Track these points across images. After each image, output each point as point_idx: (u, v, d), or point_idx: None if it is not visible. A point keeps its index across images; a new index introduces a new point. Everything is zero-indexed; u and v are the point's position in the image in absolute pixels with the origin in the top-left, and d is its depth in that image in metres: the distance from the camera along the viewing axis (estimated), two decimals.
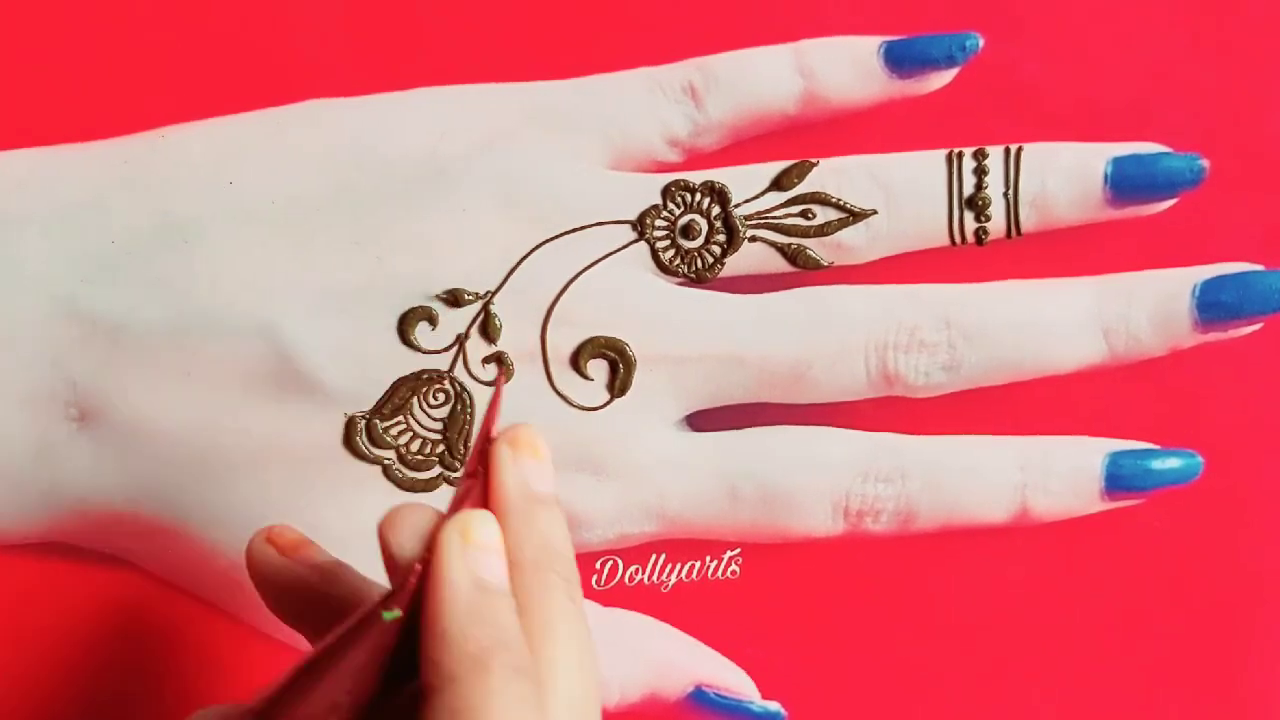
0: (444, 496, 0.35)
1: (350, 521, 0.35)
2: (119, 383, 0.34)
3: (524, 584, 0.27)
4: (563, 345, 0.35)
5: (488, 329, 0.35)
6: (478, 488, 0.28)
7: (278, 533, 0.31)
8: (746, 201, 0.36)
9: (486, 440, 0.29)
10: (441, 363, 0.35)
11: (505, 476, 0.28)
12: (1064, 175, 0.36)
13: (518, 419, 0.35)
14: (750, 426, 0.36)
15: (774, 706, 0.37)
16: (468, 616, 0.26)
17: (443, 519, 0.27)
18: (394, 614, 0.26)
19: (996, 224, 0.36)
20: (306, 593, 0.30)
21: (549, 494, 0.29)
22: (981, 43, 0.36)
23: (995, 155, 0.36)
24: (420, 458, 0.35)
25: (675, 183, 0.36)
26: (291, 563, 0.30)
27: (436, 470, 0.35)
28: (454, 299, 0.34)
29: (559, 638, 0.27)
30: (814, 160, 0.36)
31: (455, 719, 0.25)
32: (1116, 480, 0.36)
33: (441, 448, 0.35)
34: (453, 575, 0.26)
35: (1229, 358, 0.37)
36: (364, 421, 0.34)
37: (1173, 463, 0.36)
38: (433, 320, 0.34)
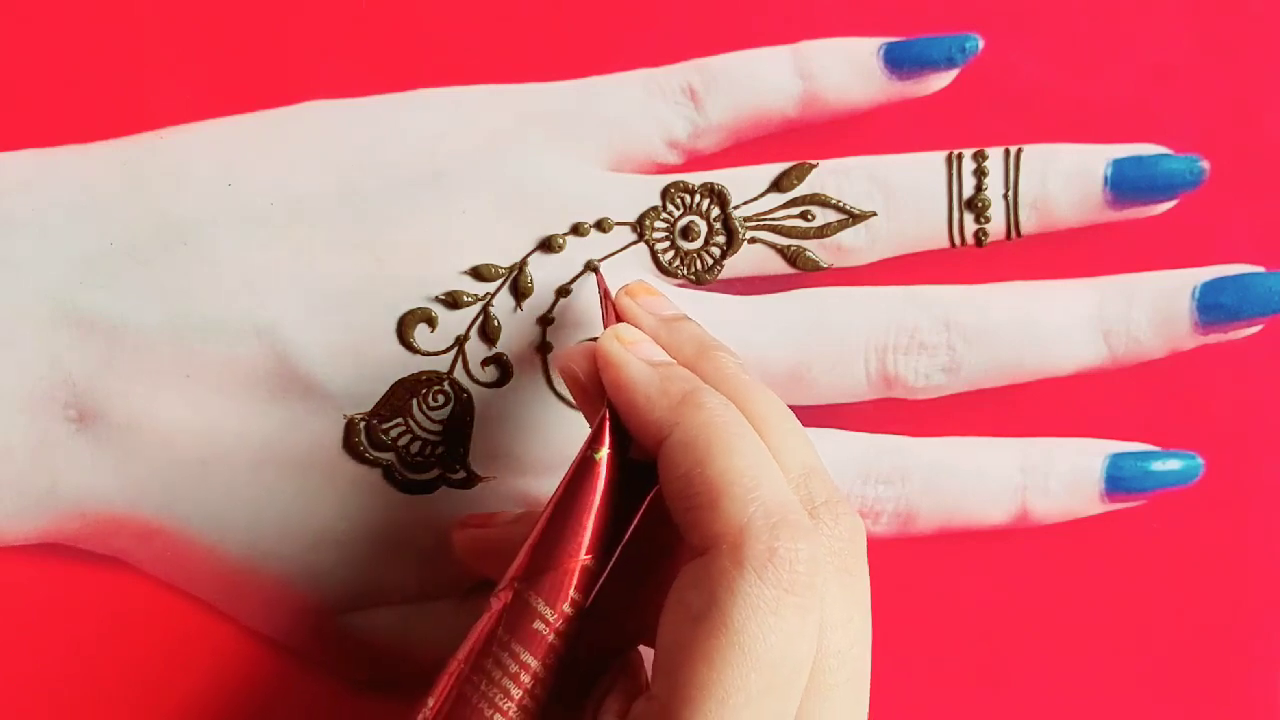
0: (444, 498, 0.35)
1: (350, 522, 0.35)
2: (118, 384, 0.34)
3: (700, 372, 0.30)
4: (562, 346, 0.35)
5: (487, 330, 0.35)
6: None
7: (467, 518, 0.35)
8: (746, 203, 0.36)
9: (609, 300, 0.33)
10: (441, 364, 0.35)
11: (637, 314, 0.32)
12: (1064, 177, 0.36)
13: (516, 420, 0.35)
14: None
15: None
16: (658, 381, 0.29)
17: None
18: (601, 452, 0.29)
19: (996, 225, 0.36)
20: (513, 546, 0.31)
21: (680, 312, 0.32)
22: (981, 44, 0.36)
23: (995, 157, 0.36)
24: (420, 459, 0.35)
25: (674, 184, 0.36)
26: (494, 530, 0.34)
27: (436, 472, 0.35)
28: (453, 301, 0.34)
29: (757, 396, 0.29)
30: (813, 162, 0.36)
31: (687, 450, 0.28)
32: (1117, 482, 0.36)
33: (441, 449, 0.35)
34: (627, 362, 0.30)
35: (1229, 359, 0.37)
36: (363, 423, 0.34)
37: (1173, 464, 0.37)
38: (432, 322, 0.34)
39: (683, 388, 0.29)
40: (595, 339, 0.31)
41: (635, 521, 0.30)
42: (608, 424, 0.29)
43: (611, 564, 0.29)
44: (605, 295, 0.33)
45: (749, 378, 0.30)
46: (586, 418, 0.31)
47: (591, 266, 0.35)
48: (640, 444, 0.29)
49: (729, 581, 0.26)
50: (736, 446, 0.27)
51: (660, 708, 0.26)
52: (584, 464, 0.29)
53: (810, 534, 0.27)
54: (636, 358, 0.30)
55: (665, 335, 0.31)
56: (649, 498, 0.30)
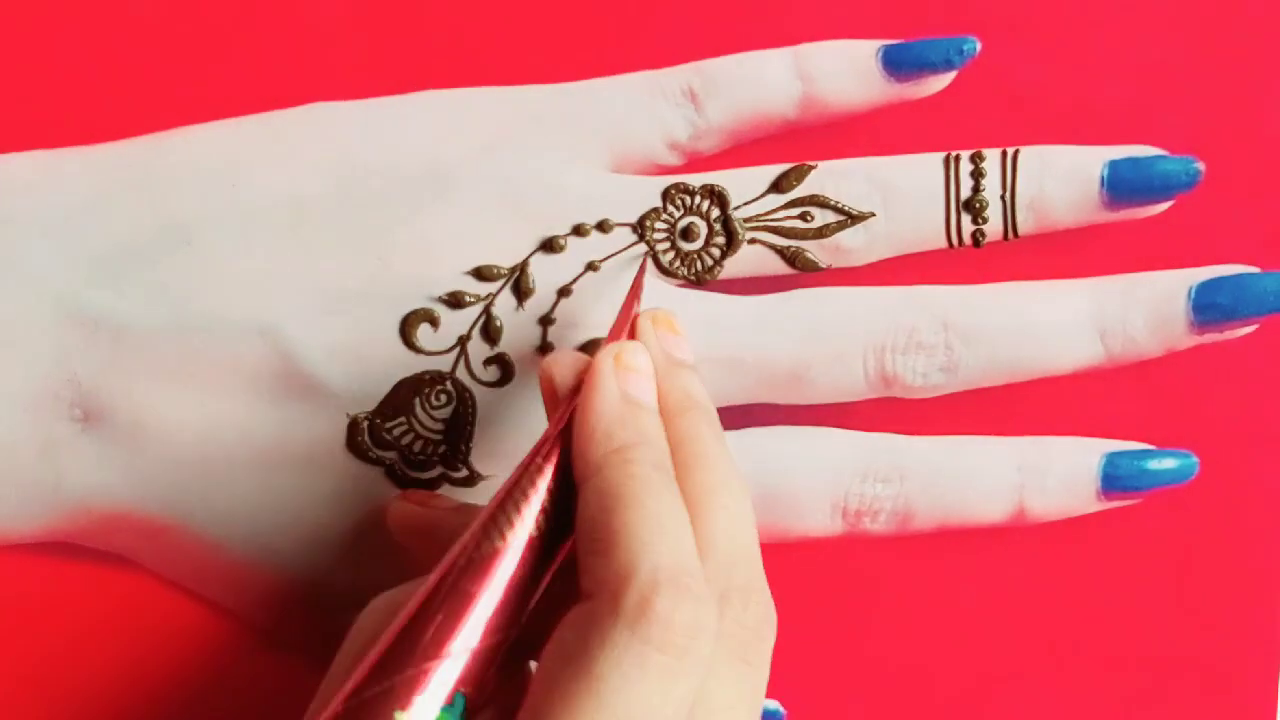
0: (444, 495, 0.35)
1: (353, 521, 0.35)
2: (122, 383, 0.34)
3: (673, 426, 0.30)
4: (564, 346, 0.35)
5: (489, 331, 0.35)
6: None
7: (409, 491, 0.35)
8: (746, 204, 0.36)
9: (629, 315, 0.32)
10: (443, 364, 0.35)
11: (648, 342, 0.31)
12: (1061, 178, 0.36)
13: (518, 419, 0.35)
14: (749, 428, 0.36)
15: (773, 706, 0.38)
16: (615, 420, 0.29)
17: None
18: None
19: (994, 226, 0.36)
20: (445, 532, 0.31)
21: (687, 360, 0.31)
22: (979, 46, 0.36)
23: (992, 158, 0.36)
24: (422, 458, 0.35)
25: (675, 185, 0.36)
26: (429, 510, 0.33)
27: (438, 470, 0.35)
28: (455, 301, 0.35)
29: (708, 465, 0.29)
30: (813, 163, 0.36)
31: (599, 498, 0.27)
32: (1113, 480, 0.37)
33: (443, 448, 0.35)
34: (604, 387, 0.29)
35: (1225, 359, 0.37)
36: (366, 422, 0.35)
37: (1168, 463, 0.37)
38: (434, 322, 0.35)
39: (626, 438, 0.28)
40: (594, 342, 0.30)
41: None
42: (558, 442, 0.29)
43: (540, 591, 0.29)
44: (635, 293, 0.33)
45: (717, 448, 0.30)
46: (548, 406, 0.31)
47: (649, 248, 0.35)
48: (573, 460, 0.29)
49: (600, 629, 0.26)
50: (646, 504, 0.27)
51: None
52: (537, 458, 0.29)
53: (699, 602, 0.26)
54: (619, 388, 0.29)
55: (661, 377, 0.31)
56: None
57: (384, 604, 0.30)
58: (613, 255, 0.35)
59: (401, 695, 0.26)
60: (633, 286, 0.33)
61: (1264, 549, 0.39)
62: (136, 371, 0.34)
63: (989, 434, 0.37)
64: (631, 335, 0.32)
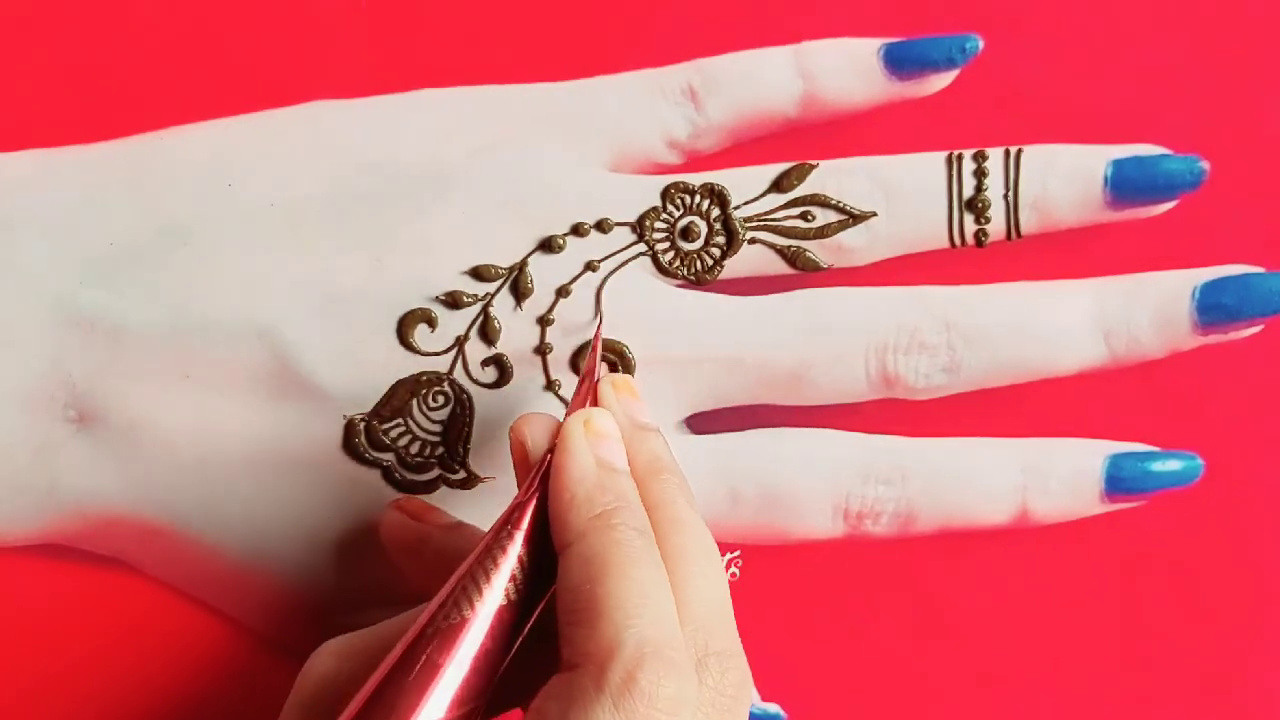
0: (444, 497, 0.35)
1: (349, 523, 0.35)
2: (118, 384, 0.34)
3: (645, 491, 0.30)
4: (562, 347, 0.35)
5: (487, 331, 0.35)
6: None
7: (405, 501, 0.35)
8: (746, 203, 0.36)
9: (591, 381, 0.32)
10: (441, 365, 0.35)
11: (611, 408, 0.31)
12: (1064, 177, 0.36)
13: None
14: (750, 428, 0.36)
15: (773, 708, 0.37)
16: (594, 486, 0.29)
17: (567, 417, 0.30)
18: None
19: (996, 226, 0.36)
20: (434, 550, 0.32)
21: (651, 424, 0.31)
22: (981, 44, 0.36)
23: (995, 157, 0.36)
24: (420, 459, 0.35)
25: (675, 185, 0.36)
26: (422, 525, 0.34)
27: (436, 472, 0.35)
28: (453, 301, 0.34)
29: (685, 530, 0.29)
30: (814, 162, 0.36)
31: (584, 565, 0.27)
32: (1117, 482, 0.36)
33: (441, 449, 0.35)
34: (578, 453, 0.29)
35: (1229, 360, 0.37)
36: (363, 423, 0.35)
37: (1173, 465, 0.37)
38: (431, 323, 0.34)
39: (608, 502, 0.28)
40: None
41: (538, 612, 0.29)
42: (532, 505, 0.29)
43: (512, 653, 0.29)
44: (594, 358, 0.33)
45: (689, 511, 0.30)
46: (518, 468, 0.31)
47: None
48: (552, 527, 0.29)
49: (585, 703, 0.26)
50: (630, 572, 0.27)
51: None
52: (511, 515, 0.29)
53: (682, 674, 0.26)
54: (592, 452, 0.29)
55: (627, 442, 0.31)
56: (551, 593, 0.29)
57: (332, 650, 0.30)
58: (612, 255, 0.35)
59: None
60: (591, 352, 0.33)
61: (1269, 551, 0.39)
62: (132, 373, 0.34)
63: (992, 435, 0.37)
64: (594, 401, 0.32)
